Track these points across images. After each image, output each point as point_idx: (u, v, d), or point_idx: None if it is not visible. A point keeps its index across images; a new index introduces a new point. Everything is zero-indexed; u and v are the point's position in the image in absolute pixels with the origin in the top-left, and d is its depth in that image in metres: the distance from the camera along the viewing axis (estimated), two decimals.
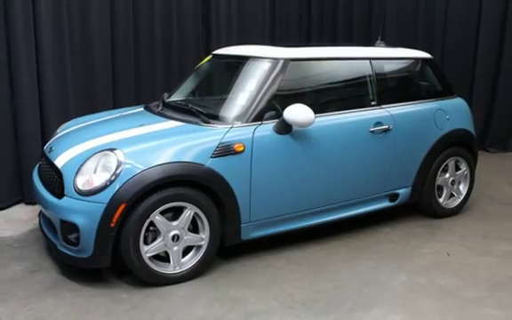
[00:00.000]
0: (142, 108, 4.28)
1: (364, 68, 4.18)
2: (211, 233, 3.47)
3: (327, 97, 4.09)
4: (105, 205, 3.16)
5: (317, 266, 3.72)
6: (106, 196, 3.17)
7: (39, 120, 4.75)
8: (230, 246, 3.64)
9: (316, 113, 3.75)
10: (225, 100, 3.86)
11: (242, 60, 4.04)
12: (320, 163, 3.83)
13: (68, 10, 4.96)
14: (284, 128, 3.63)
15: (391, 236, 4.24)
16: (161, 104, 4.16)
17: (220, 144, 3.43)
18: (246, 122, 3.58)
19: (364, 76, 4.17)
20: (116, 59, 5.41)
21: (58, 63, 4.88)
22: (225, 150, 3.44)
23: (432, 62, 4.68)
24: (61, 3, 4.86)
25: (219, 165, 3.42)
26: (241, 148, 3.49)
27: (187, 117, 3.74)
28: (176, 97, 4.29)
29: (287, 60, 3.81)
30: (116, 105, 5.30)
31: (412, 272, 3.64)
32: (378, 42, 4.84)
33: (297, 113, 3.55)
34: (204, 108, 3.80)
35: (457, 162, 4.64)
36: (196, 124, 3.62)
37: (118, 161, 3.22)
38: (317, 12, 7.86)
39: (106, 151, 3.30)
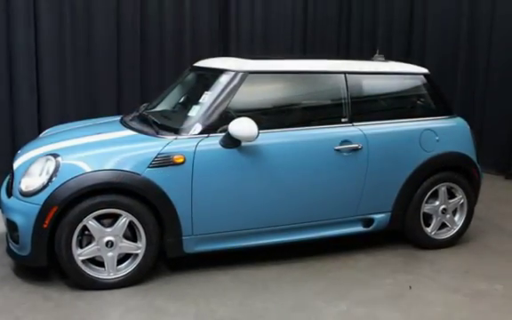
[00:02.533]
0: (119, 118, 4.43)
1: (337, 83, 3.97)
2: (147, 242, 3.50)
3: (288, 112, 3.96)
4: (39, 207, 3.32)
5: (261, 285, 3.59)
6: (41, 199, 3.33)
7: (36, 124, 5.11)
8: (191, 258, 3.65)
9: (272, 128, 3.69)
10: (182, 111, 3.89)
11: (210, 73, 4.05)
12: (272, 180, 3.70)
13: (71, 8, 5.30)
14: (231, 142, 3.57)
15: (359, 263, 3.96)
16: (134, 114, 4.28)
17: (158, 155, 3.46)
18: (192, 134, 3.58)
19: (336, 92, 3.97)
20: (121, 63, 5.64)
21: (58, 65, 5.23)
22: (163, 161, 3.46)
23: (428, 78, 4.31)
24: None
25: (156, 176, 3.44)
26: (180, 160, 3.49)
27: (144, 128, 3.81)
28: (152, 108, 4.35)
29: (245, 73, 3.76)
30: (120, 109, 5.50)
31: (356, 302, 3.38)
32: (376, 55, 4.58)
33: (239, 127, 3.49)
34: (164, 120, 3.87)
35: (451, 189, 4.22)
36: (148, 134, 3.69)
37: (55, 167, 3.37)
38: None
39: (49, 156, 3.48)
